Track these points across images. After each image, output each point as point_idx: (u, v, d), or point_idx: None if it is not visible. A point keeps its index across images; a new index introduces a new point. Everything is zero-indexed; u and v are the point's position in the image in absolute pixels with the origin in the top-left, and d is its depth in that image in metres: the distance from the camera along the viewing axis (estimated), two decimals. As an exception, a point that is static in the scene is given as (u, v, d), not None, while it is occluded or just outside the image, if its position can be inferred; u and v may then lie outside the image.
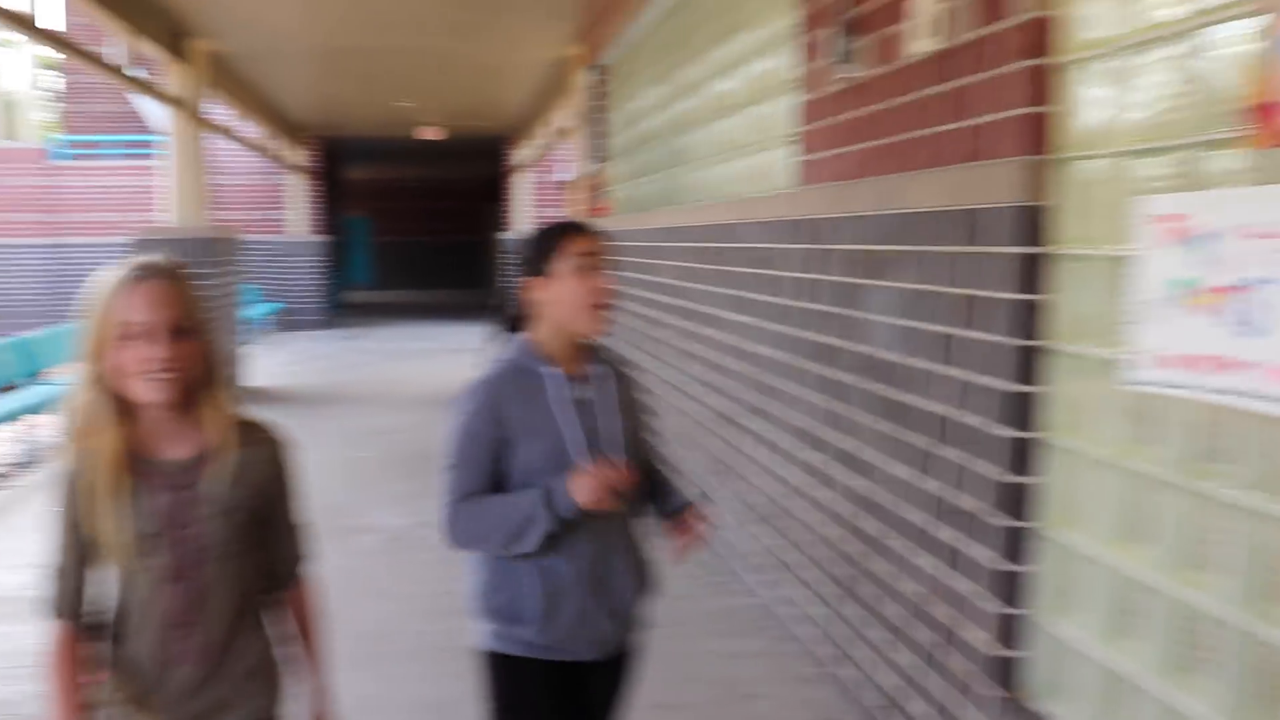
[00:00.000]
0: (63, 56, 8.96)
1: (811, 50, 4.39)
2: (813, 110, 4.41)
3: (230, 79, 14.25)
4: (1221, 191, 2.29)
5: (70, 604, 2.12)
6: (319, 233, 22.28)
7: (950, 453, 3.29)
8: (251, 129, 17.83)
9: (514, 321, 2.59)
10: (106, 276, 2.04)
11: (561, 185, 20.23)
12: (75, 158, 22.65)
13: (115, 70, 9.97)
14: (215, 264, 11.38)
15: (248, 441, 2.17)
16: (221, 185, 20.64)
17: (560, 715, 2.58)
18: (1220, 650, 2.35)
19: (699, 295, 6.14)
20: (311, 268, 21.68)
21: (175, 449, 2.10)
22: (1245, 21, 2.22)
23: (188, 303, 2.06)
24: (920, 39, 3.43)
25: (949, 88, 3.29)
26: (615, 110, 9.78)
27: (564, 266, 2.46)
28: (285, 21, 11.18)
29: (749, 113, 5.53)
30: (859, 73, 3.92)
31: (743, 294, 5.30)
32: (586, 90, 10.74)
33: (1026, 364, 2.94)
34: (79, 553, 2.10)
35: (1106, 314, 2.68)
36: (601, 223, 9.75)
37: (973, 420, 3.15)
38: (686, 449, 6.43)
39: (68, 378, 2.14)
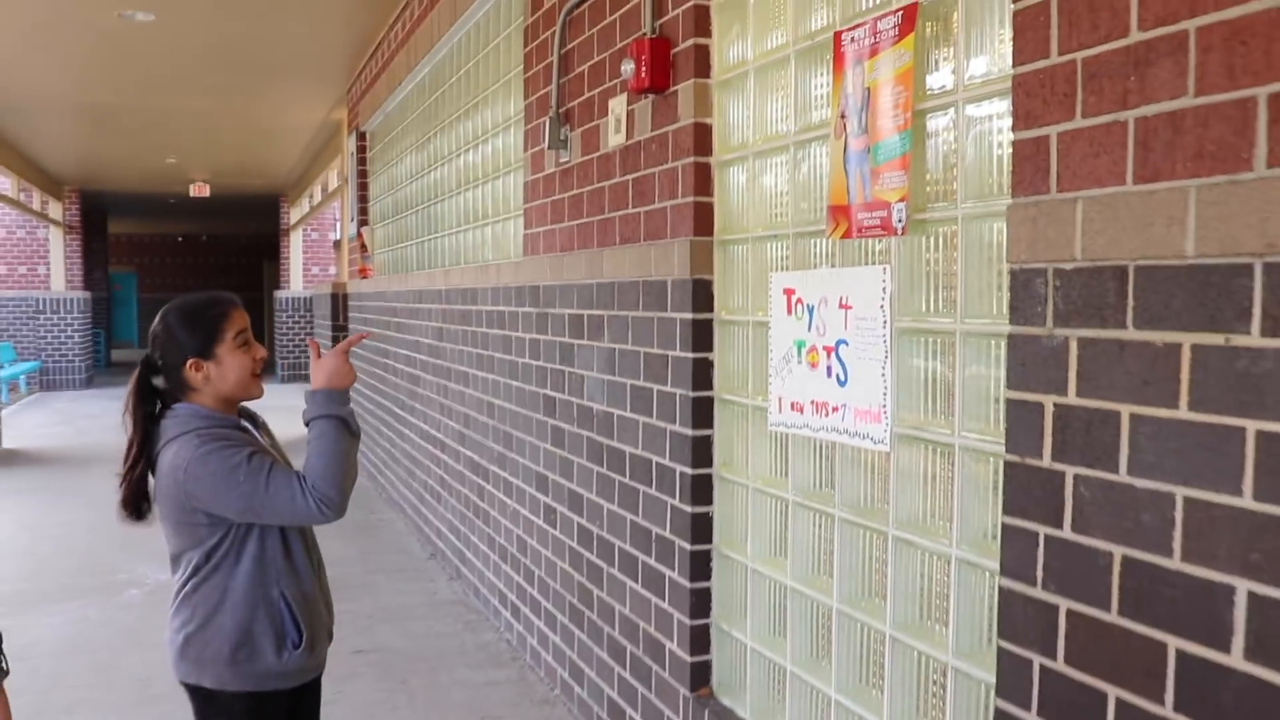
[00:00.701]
0: None
1: (533, 135, 4.91)
2: (534, 189, 4.92)
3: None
4: (818, 271, 2.89)
5: None
6: (81, 288, 21.60)
7: (649, 490, 3.81)
8: (5, 182, 17.31)
9: (162, 394, 2.65)
10: None
11: (335, 245, 20.34)
12: None
13: None
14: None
15: None
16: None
17: None
18: (841, 638, 2.91)
19: (452, 354, 6.57)
20: (73, 324, 20.97)
21: None
22: (826, 142, 2.82)
23: None
24: (613, 134, 3.98)
25: (636, 176, 3.85)
26: (377, 175, 10.15)
27: (226, 346, 2.60)
28: (43, 75, 11.08)
29: (490, 185, 6.02)
30: (568, 159, 4.45)
31: (487, 353, 5.76)
32: (350, 155, 11.05)
33: (700, 412, 3.49)
34: None
35: (754, 369, 3.25)
36: (365, 284, 10.08)
37: (664, 461, 3.69)
38: (446, 498, 6.83)
39: None
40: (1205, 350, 1.71)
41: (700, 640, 3.57)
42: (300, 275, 21.55)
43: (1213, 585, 1.72)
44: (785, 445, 3.15)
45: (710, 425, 3.49)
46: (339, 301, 12.21)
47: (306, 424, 2.57)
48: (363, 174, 10.66)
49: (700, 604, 3.55)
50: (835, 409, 2.79)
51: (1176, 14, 1.74)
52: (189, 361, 2.57)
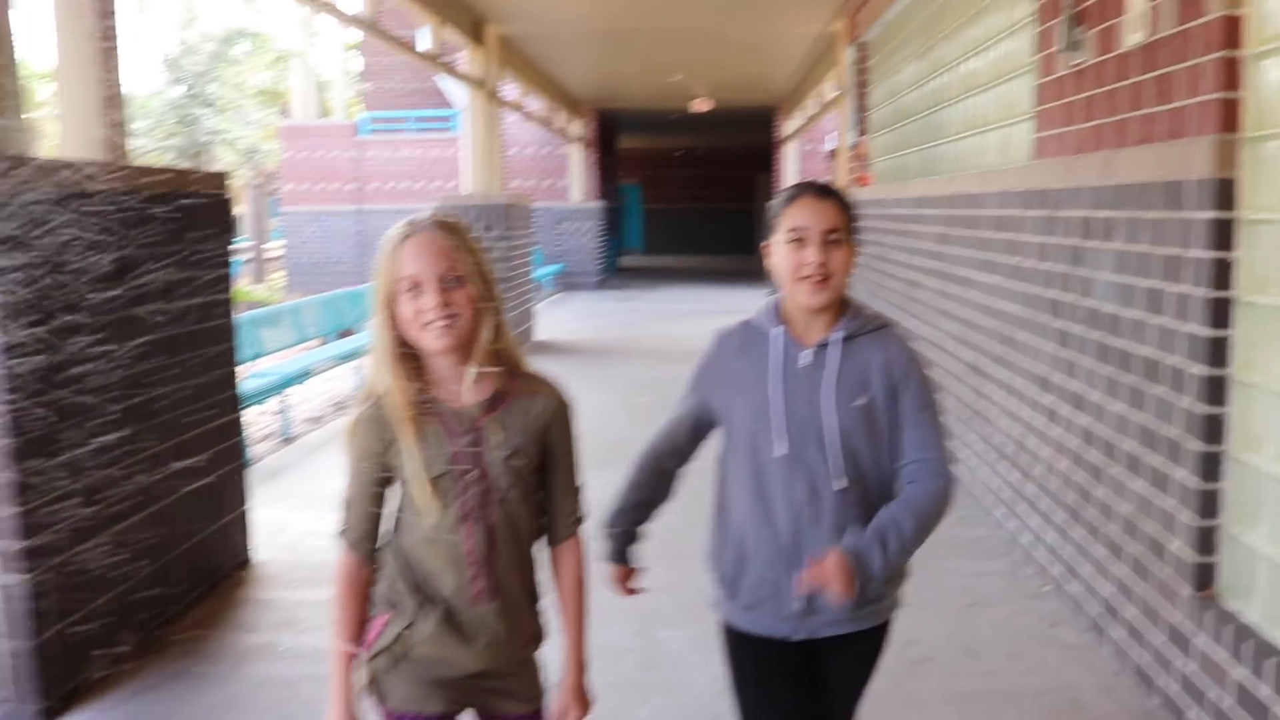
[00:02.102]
0: (362, 39, 10.36)
1: (1045, 38, 4.91)
2: (1045, 92, 4.94)
3: (519, 59, 15.55)
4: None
5: (359, 536, 2.26)
6: (595, 200, 23.67)
7: (1158, 390, 3.82)
8: (536, 104, 19.25)
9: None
10: (388, 234, 2.16)
11: (829, 155, 20.73)
12: (378, 132, 24.93)
13: (429, 56, 11.27)
14: (510, 228, 12.72)
15: (529, 391, 2.27)
16: (509, 156, 22.34)
17: (778, 692, 2.52)
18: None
19: (952, 259, 6.71)
20: (589, 232, 23.14)
21: (464, 395, 2.19)
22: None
23: (457, 253, 2.13)
24: (1132, 32, 3.94)
25: (1155, 75, 3.80)
26: (876, 85, 10.33)
27: (780, 236, 2.41)
28: (570, 6, 12.28)
29: (993, 91, 6.06)
30: (1083, 60, 4.44)
31: (988, 256, 5.85)
32: (849, 66, 11.29)
33: (1217, 313, 3.46)
34: (372, 490, 2.24)
35: (1278, 268, 3.19)
36: (864, 192, 10.33)
37: (1175, 361, 3.69)
38: (943, 397, 7.02)
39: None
40: None
41: (1207, 541, 3.57)
42: (793, 186, 22.24)
43: None
44: (1311, 347, 3.08)
45: (1228, 326, 3.45)
46: (834, 210, 12.55)
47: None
48: (862, 84, 10.87)
49: (1208, 505, 3.55)
50: (1371, 308, 2.71)
51: None
52: (765, 244, 2.54)
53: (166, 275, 4.64)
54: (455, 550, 2.20)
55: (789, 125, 21.98)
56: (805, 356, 2.40)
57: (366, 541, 2.26)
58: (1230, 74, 3.38)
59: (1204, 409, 3.52)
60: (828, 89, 15.39)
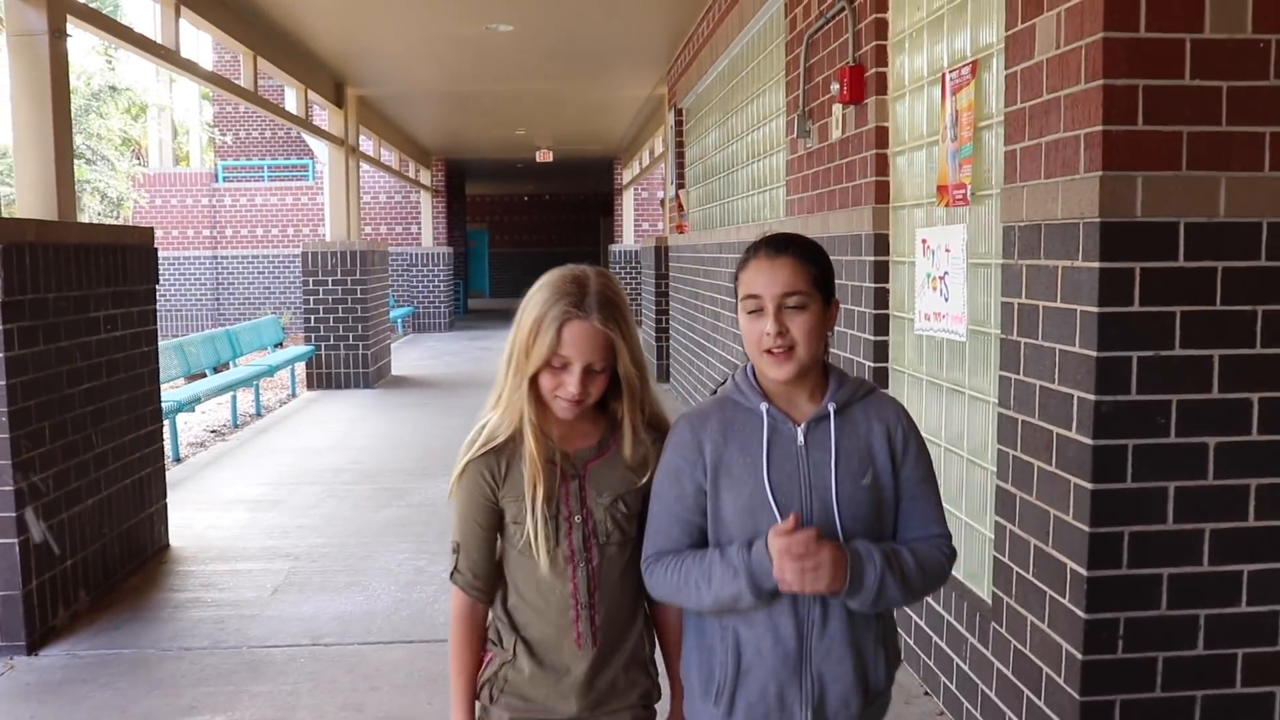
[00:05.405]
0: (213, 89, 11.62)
1: (790, 126, 6.57)
2: (791, 166, 6.59)
3: (374, 116, 16.86)
4: (936, 227, 4.43)
5: (472, 578, 2.28)
6: (445, 244, 24.99)
7: (853, 381, 5.43)
8: (389, 155, 20.55)
9: None
10: (544, 308, 2.13)
11: (662, 203, 22.48)
12: (234, 180, 25.90)
13: (295, 117, 12.54)
14: (367, 272, 13.99)
15: (632, 443, 2.23)
16: (364, 204, 23.55)
17: None
18: (948, 466, 4.47)
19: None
20: (439, 276, 24.43)
21: (576, 443, 2.25)
22: (938, 141, 4.36)
23: (607, 346, 2.14)
24: (835, 130, 5.59)
25: (846, 161, 5.45)
26: (691, 145, 12.03)
27: (740, 304, 2.16)
28: (422, 73, 13.73)
29: (768, 160, 7.73)
30: (812, 145, 6.09)
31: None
32: (670, 127, 12.98)
33: (880, 324, 5.09)
34: (481, 532, 2.26)
35: (909, 293, 4.82)
36: (680, 238, 11.96)
37: (859, 359, 5.30)
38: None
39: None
40: (1066, 270, 3.21)
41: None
42: (632, 230, 23.93)
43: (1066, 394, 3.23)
44: (923, 343, 4.71)
45: (887, 333, 5.08)
46: (661, 254, 14.22)
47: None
48: (680, 143, 12.56)
49: (879, 456, 5.15)
50: (942, 316, 4.34)
51: (1054, 87, 3.24)
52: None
53: (110, 309, 5.92)
54: (559, 592, 2.23)
55: (626, 174, 23.71)
56: (799, 434, 2.15)
57: (479, 582, 2.29)
58: (882, 164, 5.03)
59: (876, 391, 5.13)
60: (658, 143, 17.09)
